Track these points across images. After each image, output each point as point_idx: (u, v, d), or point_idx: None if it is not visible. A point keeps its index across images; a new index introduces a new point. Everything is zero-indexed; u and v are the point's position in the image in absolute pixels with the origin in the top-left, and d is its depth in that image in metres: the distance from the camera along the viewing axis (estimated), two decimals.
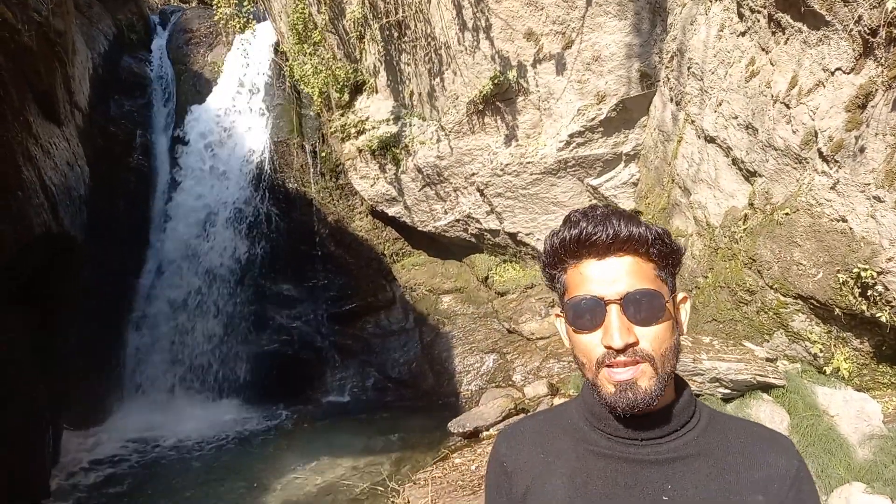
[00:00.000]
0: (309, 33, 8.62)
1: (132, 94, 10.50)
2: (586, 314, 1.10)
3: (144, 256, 9.73)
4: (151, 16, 12.01)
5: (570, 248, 1.14)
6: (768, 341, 5.43)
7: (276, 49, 10.19)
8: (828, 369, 5.07)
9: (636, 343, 1.08)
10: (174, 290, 9.60)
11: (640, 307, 1.08)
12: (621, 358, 1.07)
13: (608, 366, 1.08)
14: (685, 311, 1.21)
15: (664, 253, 1.14)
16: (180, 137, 10.26)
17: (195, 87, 10.71)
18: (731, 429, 1.19)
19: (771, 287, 5.26)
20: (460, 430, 6.80)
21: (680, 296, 1.20)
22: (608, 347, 1.08)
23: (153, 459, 7.37)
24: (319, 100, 9.00)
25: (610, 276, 1.10)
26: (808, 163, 4.89)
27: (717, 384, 4.87)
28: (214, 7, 9.12)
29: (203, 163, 10.07)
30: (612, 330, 1.07)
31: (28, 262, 6.18)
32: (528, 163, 7.84)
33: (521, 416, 6.69)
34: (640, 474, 1.12)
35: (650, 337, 1.09)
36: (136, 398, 8.93)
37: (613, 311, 1.08)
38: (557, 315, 1.24)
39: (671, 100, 6.67)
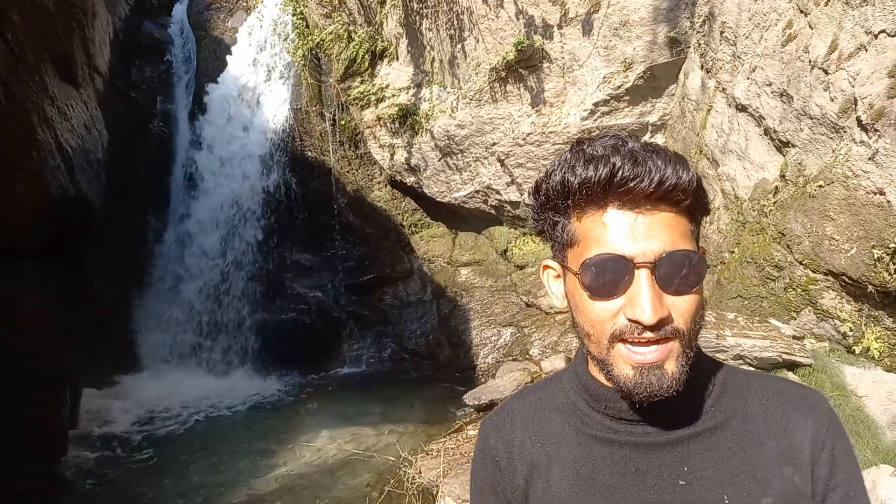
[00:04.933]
0: None
1: (153, 59, 10.43)
2: (608, 277, 0.88)
3: (164, 223, 9.73)
4: None
5: (594, 192, 0.90)
6: (795, 319, 5.23)
7: (297, 14, 10.01)
8: (857, 349, 4.87)
9: (668, 317, 0.88)
10: (192, 257, 9.62)
11: (677, 272, 0.88)
12: (648, 335, 0.88)
13: (629, 343, 0.90)
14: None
15: (702, 204, 0.94)
16: (200, 104, 10.19)
17: (215, 53, 10.60)
18: (751, 389, 1.02)
19: (800, 263, 5.05)
20: (475, 403, 6.73)
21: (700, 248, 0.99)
22: (633, 321, 0.88)
23: (166, 426, 7.40)
24: (339, 66, 8.84)
25: (641, 232, 0.88)
26: (845, 132, 4.64)
27: (740, 361, 4.71)
28: None
29: (222, 130, 9.99)
30: (642, 301, 0.87)
31: (46, 224, 6.18)
32: (551, 132, 7.63)
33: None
34: (651, 458, 0.96)
35: (683, 309, 0.90)
36: (151, 364, 8.99)
37: (643, 277, 0.87)
38: (547, 267, 1.04)
39: (701, 67, 6.40)
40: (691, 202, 0.91)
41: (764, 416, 0.98)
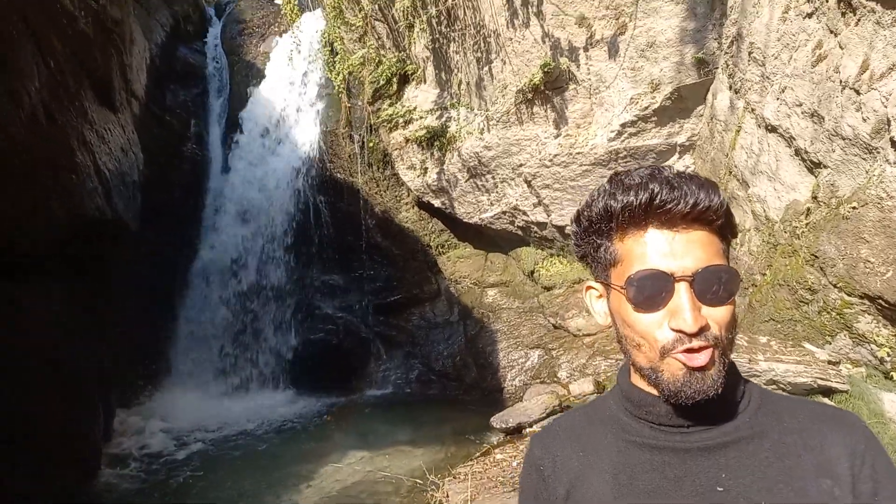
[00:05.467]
0: (349, 20, 8.60)
1: (187, 83, 10.72)
2: (652, 292, 0.97)
3: (195, 244, 9.91)
4: (207, 7, 12.24)
5: (636, 214, 0.99)
6: (830, 343, 5.11)
7: (327, 39, 10.22)
8: (895, 374, 4.74)
9: (707, 327, 0.96)
10: (223, 277, 9.76)
11: (714, 285, 0.97)
12: (696, 342, 0.96)
13: (684, 351, 0.97)
14: None
15: (732, 226, 1.03)
16: (233, 126, 10.41)
17: (248, 77, 10.85)
18: (786, 408, 1.06)
19: (835, 286, 4.94)
20: (503, 426, 6.67)
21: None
22: (677, 330, 0.96)
23: (195, 446, 7.47)
24: (368, 89, 8.98)
25: (679, 250, 0.97)
26: (878, 153, 4.55)
27: (773, 386, 4.60)
28: None
29: (254, 152, 10.19)
30: (683, 311, 0.95)
31: (83, 244, 6.35)
32: (578, 153, 7.62)
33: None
34: (689, 464, 1.00)
35: (719, 318, 0.98)
36: (182, 383, 9.11)
37: (682, 290, 0.96)
38: (590, 287, 1.12)
39: (730, 87, 6.35)
40: (722, 223, 1.00)
41: (799, 431, 1.02)
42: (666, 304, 0.97)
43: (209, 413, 8.35)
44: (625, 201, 0.99)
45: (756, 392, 1.08)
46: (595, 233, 1.05)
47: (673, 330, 0.96)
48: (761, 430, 1.02)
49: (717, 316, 0.97)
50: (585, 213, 1.06)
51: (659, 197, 0.96)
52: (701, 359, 0.96)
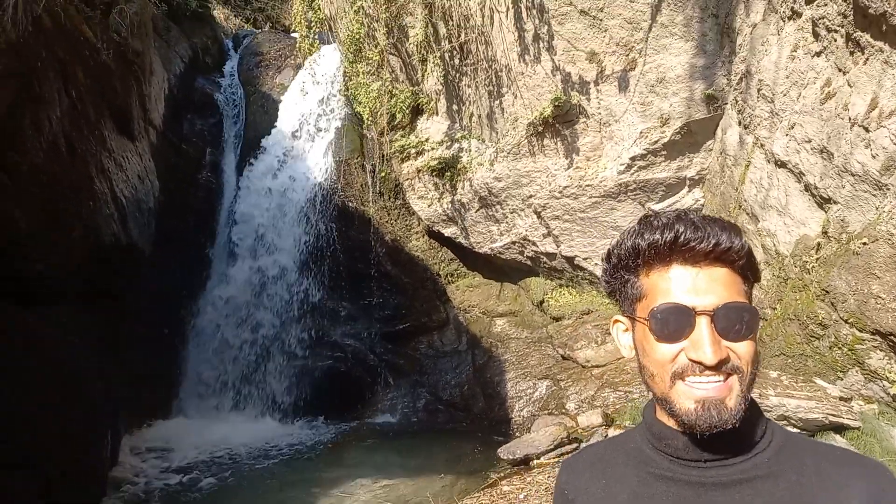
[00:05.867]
0: (365, 54, 8.77)
1: (204, 113, 10.93)
2: (672, 323, 1.02)
3: (208, 270, 10.00)
4: (225, 40, 12.52)
5: (661, 252, 1.05)
6: (842, 379, 5.08)
7: (342, 73, 10.42)
8: None
9: (728, 360, 1.00)
10: (233, 303, 9.82)
11: (735, 322, 1.01)
12: (709, 373, 1.00)
13: (690, 377, 1.01)
14: None
15: (753, 267, 1.08)
16: (247, 156, 10.57)
17: (263, 108, 11.05)
18: (809, 451, 1.08)
19: (846, 321, 4.93)
20: (510, 457, 6.61)
21: None
22: (696, 362, 1.00)
23: (202, 474, 7.43)
24: (381, 121, 9.13)
25: (702, 286, 1.02)
26: (888, 189, 4.59)
27: (784, 423, 4.57)
28: (293, 30, 9.41)
29: (267, 180, 10.33)
30: (703, 344, 0.99)
31: (97, 269, 6.43)
32: (588, 185, 7.69)
33: (574, 445, 6.47)
34: (704, 498, 1.04)
35: (741, 351, 1.01)
36: (189, 409, 9.12)
37: (703, 324, 1.00)
38: (617, 321, 1.17)
39: (739, 123, 6.43)
40: (744, 264, 1.05)
41: (818, 472, 1.03)
42: (687, 337, 1.01)
43: (215, 440, 8.33)
44: (651, 239, 1.05)
45: (779, 432, 1.10)
46: (623, 268, 1.11)
47: (692, 361, 1.00)
48: (779, 470, 1.04)
49: (738, 349, 1.01)
50: (615, 251, 1.12)
51: (683, 236, 1.02)
52: (710, 391, 0.99)
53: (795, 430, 4.54)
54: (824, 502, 1.00)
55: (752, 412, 1.06)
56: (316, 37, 9.24)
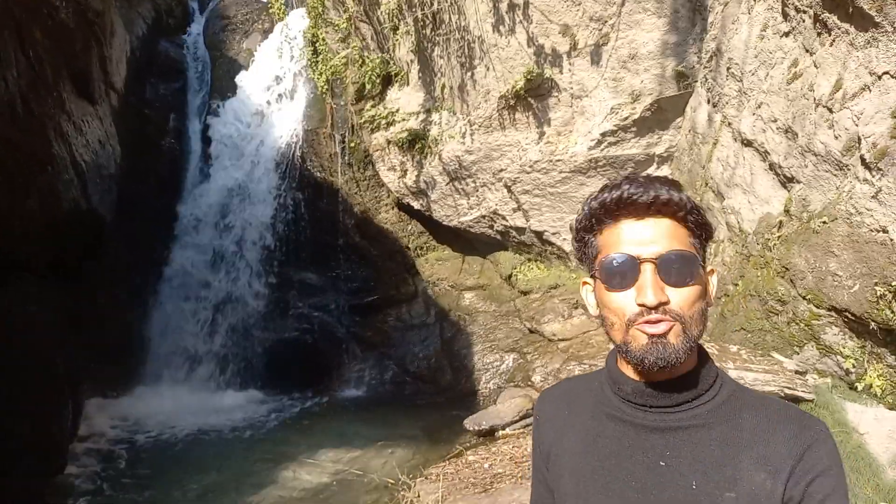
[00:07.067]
0: (332, 21, 8.60)
1: (168, 77, 10.62)
2: (620, 272, 1.12)
3: (172, 239, 9.81)
4: (190, 2, 12.12)
5: (609, 209, 1.15)
6: (798, 354, 5.24)
7: (311, 38, 10.20)
8: (860, 385, 4.87)
9: (668, 302, 1.09)
10: (198, 273, 9.67)
11: (675, 268, 1.10)
12: (654, 315, 1.09)
13: (645, 322, 1.10)
14: (713, 283, 1.21)
15: (699, 223, 1.16)
16: (213, 122, 10.33)
17: (229, 74, 10.78)
18: (752, 407, 1.16)
19: (804, 298, 5.07)
20: (476, 428, 6.71)
21: (708, 268, 1.20)
22: (641, 305, 1.09)
23: (166, 444, 7.38)
24: (351, 90, 8.98)
25: (647, 237, 1.12)
26: (849, 170, 4.69)
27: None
28: None
29: (233, 148, 10.12)
30: (645, 288, 1.09)
31: (56, 237, 6.25)
32: (558, 160, 7.71)
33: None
34: (643, 439, 1.16)
35: (681, 297, 1.10)
36: (153, 380, 9.00)
37: (648, 270, 1.10)
38: (584, 283, 1.27)
39: (708, 101, 6.49)
40: (687, 216, 1.14)
41: (753, 428, 1.13)
42: (634, 283, 1.11)
43: (179, 413, 8.24)
44: (601, 198, 1.16)
45: (728, 387, 1.19)
46: (583, 230, 1.21)
47: (638, 304, 1.10)
48: (714, 422, 1.14)
49: (679, 295, 1.10)
50: (577, 216, 1.23)
51: (627, 191, 1.13)
52: (660, 327, 1.09)
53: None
54: (749, 456, 1.10)
55: (702, 367, 1.18)
56: (283, 1, 8.98)
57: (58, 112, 6.01)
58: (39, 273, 6.20)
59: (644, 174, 1.18)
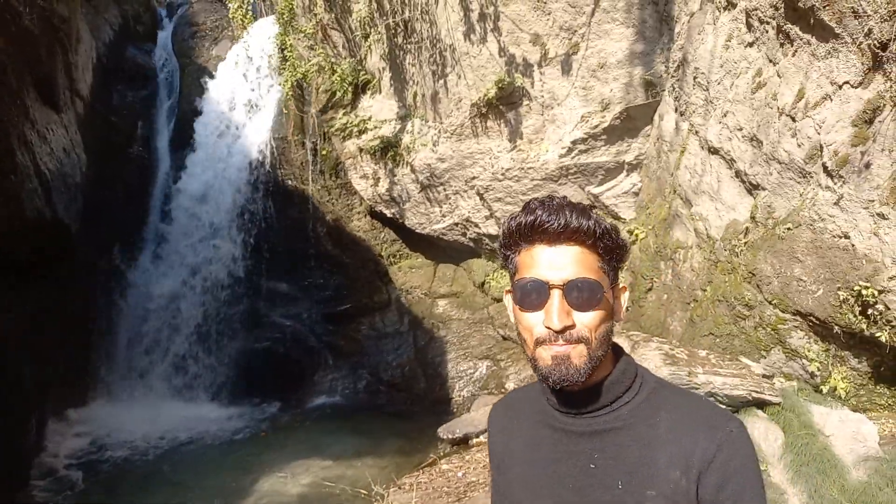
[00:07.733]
0: (301, 27, 8.56)
1: (136, 85, 10.46)
2: (532, 295, 1.19)
3: (139, 248, 9.64)
4: (158, 8, 11.98)
5: (524, 233, 1.21)
6: (765, 357, 5.34)
7: (281, 45, 10.14)
8: (825, 388, 4.98)
9: (573, 326, 1.16)
10: (167, 282, 9.51)
11: (580, 294, 1.17)
12: (560, 339, 1.16)
13: (548, 343, 1.17)
14: (623, 300, 1.29)
15: (609, 247, 1.22)
16: (181, 130, 10.19)
17: (199, 81, 10.64)
18: (669, 405, 1.24)
19: (770, 302, 5.17)
20: (450, 437, 6.70)
21: (620, 285, 1.29)
22: (548, 327, 1.16)
23: (134, 456, 7.23)
24: (322, 97, 8.94)
25: (557, 263, 1.18)
26: (812, 177, 4.81)
27: (711, 398, 4.77)
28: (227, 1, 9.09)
29: (202, 156, 9.99)
30: (552, 312, 1.16)
31: (20, 247, 6.11)
32: (530, 168, 7.76)
33: None
34: (575, 443, 1.25)
35: (587, 321, 1.18)
36: (121, 391, 8.82)
37: (556, 295, 1.16)
38: (508, 291, 1.32)
39: (675, 109, 6.60)
40: (601, 244, 1.20)
41: (668, 427, 1.20)
42: (543, 306, 1.18)
43: (148, 424, 8.09)
44: (518, 221, 1.22)
45: (648, 387, 1.27)
46: (504, 247, 1.28)
47: (546, 327, 1.17)
48: (634, 422, 1.22)
49: (584, 318, 1.17)
50: (502, 231, 1.29)
51: (540, 218, 1.18)
52: (564, 349, 1.17)
53: (722, 406, 4.75)
54: (664, 454, 1.18)
55: (618, 372, 1.25)
56: (249, 7, 8.91)
57: (21, 120, 5.89)
58: (4, 281, 6.04)
59: (559, 199, 1.22)
